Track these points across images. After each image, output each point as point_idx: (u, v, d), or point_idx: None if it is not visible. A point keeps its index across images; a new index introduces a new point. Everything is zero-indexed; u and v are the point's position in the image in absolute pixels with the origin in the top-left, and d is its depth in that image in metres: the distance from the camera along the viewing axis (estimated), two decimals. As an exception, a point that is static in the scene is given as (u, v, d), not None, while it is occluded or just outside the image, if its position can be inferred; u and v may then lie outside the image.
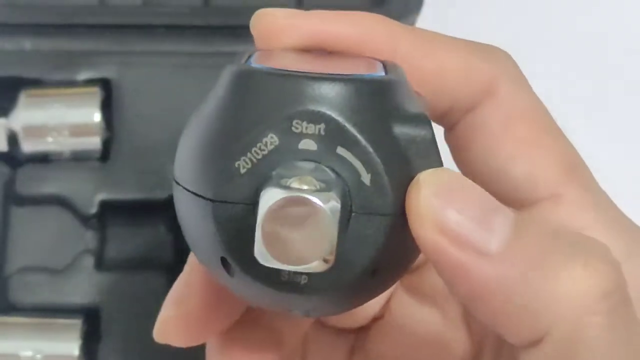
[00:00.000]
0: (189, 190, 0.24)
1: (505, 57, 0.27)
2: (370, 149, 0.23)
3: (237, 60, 0.25)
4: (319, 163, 0.23)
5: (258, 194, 0.22)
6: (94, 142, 0.46)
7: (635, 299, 0.24)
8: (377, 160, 0.23)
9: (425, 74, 0.26)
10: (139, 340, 0.43)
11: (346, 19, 0.25)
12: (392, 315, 0.31)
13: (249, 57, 0.25)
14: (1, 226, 0.46)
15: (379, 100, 0.23)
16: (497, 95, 0.26)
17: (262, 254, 0.21)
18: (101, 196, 0.46)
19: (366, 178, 0.23)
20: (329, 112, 0.23)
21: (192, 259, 0.29)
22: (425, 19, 0.50)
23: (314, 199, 0.21)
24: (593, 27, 0.59)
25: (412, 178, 0.23)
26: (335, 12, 0.26)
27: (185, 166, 0.24)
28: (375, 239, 0.23)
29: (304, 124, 0.23)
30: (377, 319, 0.32)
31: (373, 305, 0.31)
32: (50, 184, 0.46)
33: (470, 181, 0.23)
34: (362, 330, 0.32)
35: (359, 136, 0.23)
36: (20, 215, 0.46)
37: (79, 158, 0.46)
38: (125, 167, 0.46)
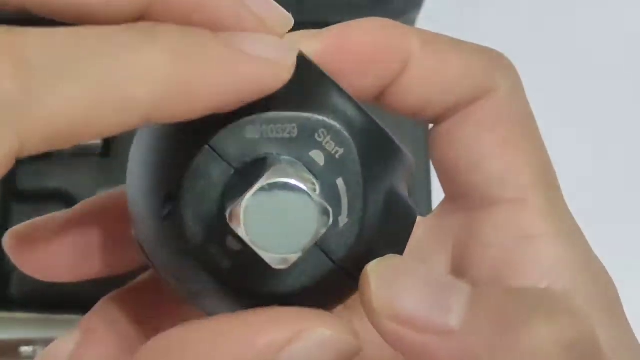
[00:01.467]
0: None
1: (507, 63, 0.27)
2: (362, 200, 0.23)
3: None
4: (316, 179, 0.22)
5: (246, 165, 0.22)
6: (95, 138, 0.46)
7: (587, 314, 0.25)
8: (361, 214, 0.23)
9: (432, 73, 0.26)
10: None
11: (359, 31, 0.26)
12: None
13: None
14: (2, 221, 0.46)
15: (394, 166, 0.24)
16: (494, 94, 0.26)
17: (236, 216, 0.21)
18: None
19: (342, 221, 0.23)
20: (354, 145, 0.23)
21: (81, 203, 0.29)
22: (425, 18, 0.50)
23: (315, 204, 0.21)
24: (592, 27, 0.60)
25: (373, 250, 0.23)
26: (346, 24, 0.26)
27: None
28: (309, 276, 0.23)
29: (328, 137, 0.22)
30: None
31: None
32: (51, 179, 0.46)
33: (420, 265, 0.24)
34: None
35: (362, 182, 0.23)
36: (21, 210, 0.46)
37: (79, 154, 0.47)
38: (126, 163, 0.46)
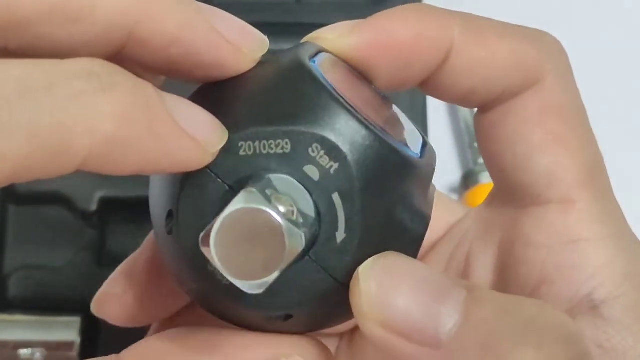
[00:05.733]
0: None
1: (556, 45, 0.27)
2: (361, 215, 0.22)
3: (301, 50, 0.24)
4: (311, 195, 0.22)
5: (239, 182, 0.22)
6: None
7: (630, 322, 0.24)
8: (360, 228, 0.22)
9: (477, 62, 0.25)
10: (139, 337, 0.43)
11: (400, 22, 0.25)
12: None
13: (316, 54, 0.24)
14: (1, 223, 0.46)
15: (399, 178, 0.23)
16: (541, 84, 0.26)
17: (207, 242, 0.21)
18: (101, 193, 0.46)
19: (340, 236, 0.22)
20: (349, 159, 0.22)
21: (144, 243, 0.29)
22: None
23: (282, 229, 0.21)
24: (592, 27, 0.59)
25: None
26: (386, 15, 0.25)
27: None
28: (308, 292, 0.23)
29: (322, 152, 0.22)
30: None
31: None
32: (50, 181, 0.46)
33: (417, 264, 0.23)
34: (347, 334, 0.32)
35: (359, 197, 0.22)
36: (20, 212, 0.46)
37: (78, 155, 0.46)
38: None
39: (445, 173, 0.55)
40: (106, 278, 0.45)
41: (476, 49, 0.25)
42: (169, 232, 0.23)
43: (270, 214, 0.21)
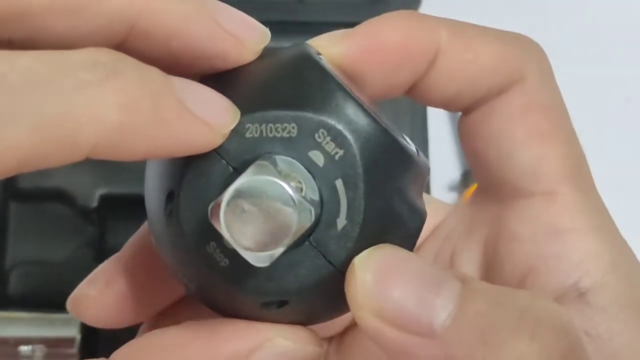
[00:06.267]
0: None
1: (536, 47, 0.27)
2: (363, 203, 0.22)
3: (306, 47, 0.24)
4: (314, 180, 0.22)
5: (245, 164, 0.22)
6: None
7: (616, 310, 0.25)
8: (361, 216, 0.22)
9: (463, 64, 0.26)
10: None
11: (388, 28, 0.25)
12: None
13: (319, 54, 0.24)
14: (1, 221, 0.46)
15: (400, 170, 0.23)
16: (524, 83, 0.26)
17: (217, 211, 0.21)
18: (101, 190, 0.46)
19: (341, 222, 0.22)
20: (354, 146, 0.22)
21: (129, 240, 0.29)
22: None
23: (293, 201, 0.21)
24: (595, 24, 0.59)
25: None
26: (374, 22, 0.26)
27: None
28: (306, 277, 0.23)
29: (328, 138, 0.22)
30: (351, 326, 0.32)
31: (346, 316, 0.31)
32: (50, 179, 0.46)
33: (412, 256, 0.23)
34: (336, 338, 0.32)
35: (362, 185, 0.22)
36: (20, 209, 0.46)
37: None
38: (126, 163, 0.46)
39: (445, 172, 0.55)
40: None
41: (461, 51, 0.26)
42: (169, 214, 0.23)
43: (282, 185, 0.21)
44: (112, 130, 0.20)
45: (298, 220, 0.21)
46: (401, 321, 0.22)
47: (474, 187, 0.53)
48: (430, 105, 0.27)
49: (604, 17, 0.60)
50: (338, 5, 0.48)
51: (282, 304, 0.23)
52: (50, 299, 0.45)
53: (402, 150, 0.23)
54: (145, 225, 0.29)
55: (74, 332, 0.44)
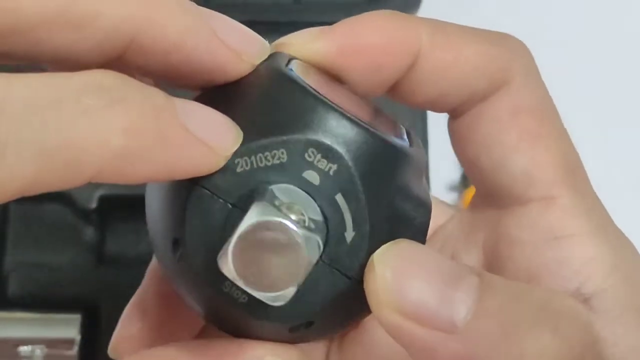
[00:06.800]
0: None
1: (521, 46, 0.27)
2: (366, 211, 0.22)
3: (276, 59, 0.24)
4: (314, 200, 0.22)
5: (242, 199, 0.22)
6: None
7: (619, 313, 0.25)
8: (368, 224, 0.22)
9: (444, 65, 0.26)
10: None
11: (368, 26, 0.25)
12: (365, 325, 0.31)
13: (289, 61, 0.24)
14: (1, 221, 0.46)
15: (396, 169, 0.23)
16: (510, 85, 0.26)
17: (226, 260, 0.21)
18: (101, 191, 0.46)
19: (349, 235, 0.22)
20: (346, 158, 0.22)
21: (149, 273, 0.29)
22: (425, 16, 0.50)
23: (300, 237, 0.21)
24: (594, 24, 0.60)
25: None
26: (354, 21, 0.25)
27: None
28: (327, 295, 0.23)
29: (319, 156, 0.22)
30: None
31: None
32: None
33: (429, 250, 0.23)
34: (336, 340, 0.32)
35: (362, 194, 0.22)
36: (20, 210, 0.46)
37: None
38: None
39: (445, 172, 0.55)
40: (106, 275, 0.46)
41: (443, 52, 0.26)
42: (179, 259, 0.23)
43: (285, 224, 0.21)
44: (116, 155, 0.20)
45: (307, 253, 0.21)
46: (422, 317, 0.22)
47: (473, 187, 0.53)
48: (414, 107, 0.27)
49: (605, 16, 0.60)
50: (335, 5, 0.48)
51: (308, 325, 0.23)
52: (50, 299, 0.45)
53: (395, 150, 0.23)
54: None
55: (73, 333, 0.44)
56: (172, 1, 0.22)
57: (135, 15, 0.22)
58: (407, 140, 0.25)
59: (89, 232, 0.46)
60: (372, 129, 0.23)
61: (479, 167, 0.27)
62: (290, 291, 0.21)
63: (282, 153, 0.22)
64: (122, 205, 0.46)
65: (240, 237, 0.21)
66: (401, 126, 0.26)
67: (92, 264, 0.46)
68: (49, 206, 0.46)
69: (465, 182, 0.54)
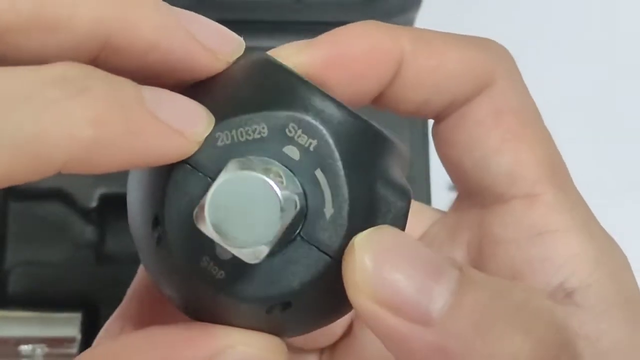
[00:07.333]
0: None
1: (502, 50, 0.27)
2: (346, 189, 0.22)
3: (254, 53, 0.24)
4: (293, 174, 0.22)
5: (221, 172, 0.22)
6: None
7: (603, 309, 0.25)
8: (347, 201, 0.22)
9: (428, 71, 0.26)
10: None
11: (351, 38, 0.25)
12: (356, 334, 0.31)
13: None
14: (1, 219, 0.46)
15: (378, 152, 0.23)
16: (492, 87, 0.26)
17: (202, 215, 0.21)
18: (101, 190, 0.46)
19: (328, 211, 0.22)
20: (327, 134, 0.22)
21: (129, 292, 0.29)
22: (424, 17, 0.50)
23: (276, 190, 0.21)
24: (593, 26, 0.60)
25: None
26: (337, 32, 0.26)
27: None
28: (304, 273, 0.22)
29: (299, 131, 0.22)
30: (342, 337, 0.32)
31: (337, 326, 0.31)
32: (48, 179, 0.46)
33: (411, 239, 0.23)
34: (327, 350, 0.32)
35: (342, 170, 0.22)
36: (20, 209, 0.46)
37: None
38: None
39: (445, 172, 0.56)
40: (106, 274, 0.46)
41: (425, 59, 0.26)
42: (157, 239, 0.23)
43: (261, 177, 0.21)
44: (83, 146, 0.20)
45: (284, 208, 0.21)
46: (399, 306, 0.22)
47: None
48: (400, 114, 0.27)
49: (604, 17, 0.60)
50: (336, 5, 0.48)
51: (285, 306, 0.23)
52: (50, 298, 0.45)
53: (377, 133, 0.23)
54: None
55: (74, 332, 0.44)
56: (145, 2, 0.23)
57: (110, 16, 0.22)
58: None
59: (89, 231, 0.46)
60: (354, 111, 0.23)
61: (463, 169, 0.27)
62: (265, 247, 0.21)
63: (263, 128, 0.22)
64: (122, 204, 0.46)
65: (217, 191, 0.21)
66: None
67: (92, 262, 0.46)
68: (50, 205, 0.46)
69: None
